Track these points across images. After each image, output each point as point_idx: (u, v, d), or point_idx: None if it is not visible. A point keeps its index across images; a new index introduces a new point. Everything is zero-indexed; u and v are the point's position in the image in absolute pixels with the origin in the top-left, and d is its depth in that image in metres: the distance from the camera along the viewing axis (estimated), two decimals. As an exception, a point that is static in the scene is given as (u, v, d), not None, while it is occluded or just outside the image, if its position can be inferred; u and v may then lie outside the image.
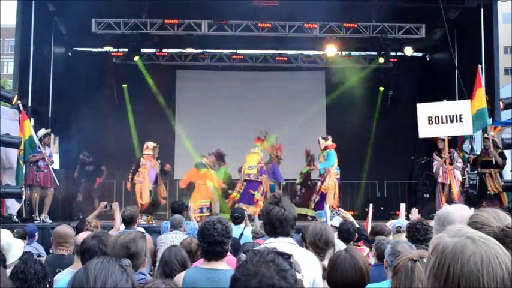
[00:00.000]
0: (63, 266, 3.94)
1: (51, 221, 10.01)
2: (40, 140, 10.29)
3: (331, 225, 5.59)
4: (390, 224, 5.93)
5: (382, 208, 13.35)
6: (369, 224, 6.74)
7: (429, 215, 7.93)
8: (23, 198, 9.99)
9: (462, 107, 9.53)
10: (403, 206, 7.36)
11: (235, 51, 15.31)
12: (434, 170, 10.76)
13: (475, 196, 10.77)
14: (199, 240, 3.33)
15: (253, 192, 10.88)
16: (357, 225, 5.63)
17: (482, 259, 1.22)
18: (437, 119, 9.41)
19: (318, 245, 3.41)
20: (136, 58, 13.73)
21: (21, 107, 10.21)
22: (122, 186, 14.32)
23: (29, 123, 10.20)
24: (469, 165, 11.39)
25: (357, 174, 14.68)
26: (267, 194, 10.79)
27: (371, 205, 7.60)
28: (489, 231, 1.71)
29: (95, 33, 12.53)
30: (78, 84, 13.63)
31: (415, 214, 6.64)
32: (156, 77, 14.95)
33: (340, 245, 4.60)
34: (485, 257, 1.23)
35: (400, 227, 5.33)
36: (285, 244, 2.88)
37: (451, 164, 10.35)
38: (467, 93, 10.83)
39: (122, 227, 6.12)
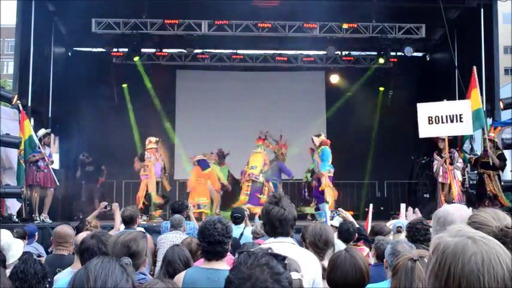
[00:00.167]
0: (63, 266, 3.94)
1: (51, 221, 10.01)
2: (40, 140, 10.28)
3: (331, 225, 5.60)
4: (390, 224, 5.94)
5: (382, 208, 13.35)
6: (369, 224, 6.74)
7: (429, 215, 7.89)
8: (23, 198, 9.99)
9: (462, 107, 9.52)
10: (403, 206, 7.36)
11: (235, 51, 15.30)
12: (434, 170, 10.75)
13: (475, 196, 10.76)
14: (199, 240, 3.33)
15: (260, 196, 10.99)
16: (357, 225, 5.63)
17: (483, 259, 1.22)
18: (438, 118, 9.40)
19: (318, 245, 3.40)
20: (136, 59, 13.73)
21: (21, 107, 10.20)
22: (122, 186, 14.35)
23: (29, 123, 10.19)
24: (469, 165, 11.38)
25: (356, 174, 14.69)
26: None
27: (371, 205, 7.61)
28: (488, 231, 1.71)
29: (95, 33, 12.54)
30: (78, 84, 13.62)
31: (410, 215, 6.65)
32: (156, 77, 14.95)
33: (340, 245, 4.60)
34: (486, 257, 1.23)
35: (400, 227, 5.33)
36: (285, 244, 2.88)
37: (451, 164, 10.34)
38: (467, 94, 10.83)
39: (122, 227, 6.12)
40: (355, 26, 12.73)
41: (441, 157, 10.44)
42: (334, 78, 15.47)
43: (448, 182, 10.28)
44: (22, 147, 9.82)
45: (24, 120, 10.07)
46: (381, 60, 14.11)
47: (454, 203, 8.52)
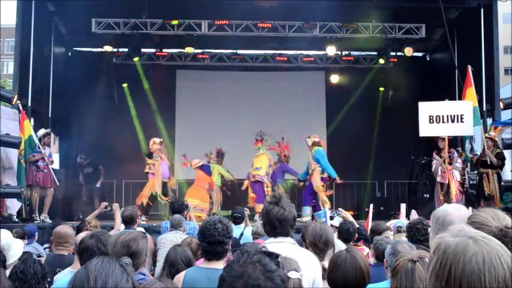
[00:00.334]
0: (63, 266, 3.93)
1: (51, 221, 10.00)
2: (40, 140, 10.28)
3: (331, 225, 5.60)
4: (391, 224, 5.94)
5: (382, 208, 13.35)
6: (369, 224, 6.74)
7: (429, 215, 7.89)
8: (23, 198, 9.99)
9: (464, 108, 9.50)
10: (403, 206, 7.36)
11: (235, 51, 15.30)
12: (433, 170, 10.76)
13: (475, 196, 10.76)
14: (199, 240, 3.33)
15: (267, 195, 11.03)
16: (357, 225, 5.63)
17: (484, 259, 1.22)
18: (439, 118, 9.38)
19: (318, 245, 3.40)
20: (135, 59, 13.73)
21: (21, 107, 10.20)
22: (122, 186, 14.35)
23: (29, 123, 10.19)
24: (469, 165, 11.38)
25: (356, 174, 14.66)
26: None
27: (371, 205, 7.62)
28: (488, 231, 1.70)
29: (95, 33, 12.54)
30: (78, 84, 13.62)
31: (413, 217, 6.63)
32: (156, 76, 14.95)
33: (340, 245, 4.60)
34: (487, 257, 1.22)
35: (401, 227, 5.33)
36: (285, 244, 2.88)
37: (450, 164, 10.34)
38: (462, 93, 10.83)
39: (122, 227, 6.12)
40: (356, 26, 12.74)
41: (440, 157, 10.44)
42: (334, 78, 15.48)
43: (447, 182, 10.28)
44: (22, 147, 9.82)
45: (24, 120, 10.07)
46: (381, 60, 14.10)
47: (452, 203, 8.51)
